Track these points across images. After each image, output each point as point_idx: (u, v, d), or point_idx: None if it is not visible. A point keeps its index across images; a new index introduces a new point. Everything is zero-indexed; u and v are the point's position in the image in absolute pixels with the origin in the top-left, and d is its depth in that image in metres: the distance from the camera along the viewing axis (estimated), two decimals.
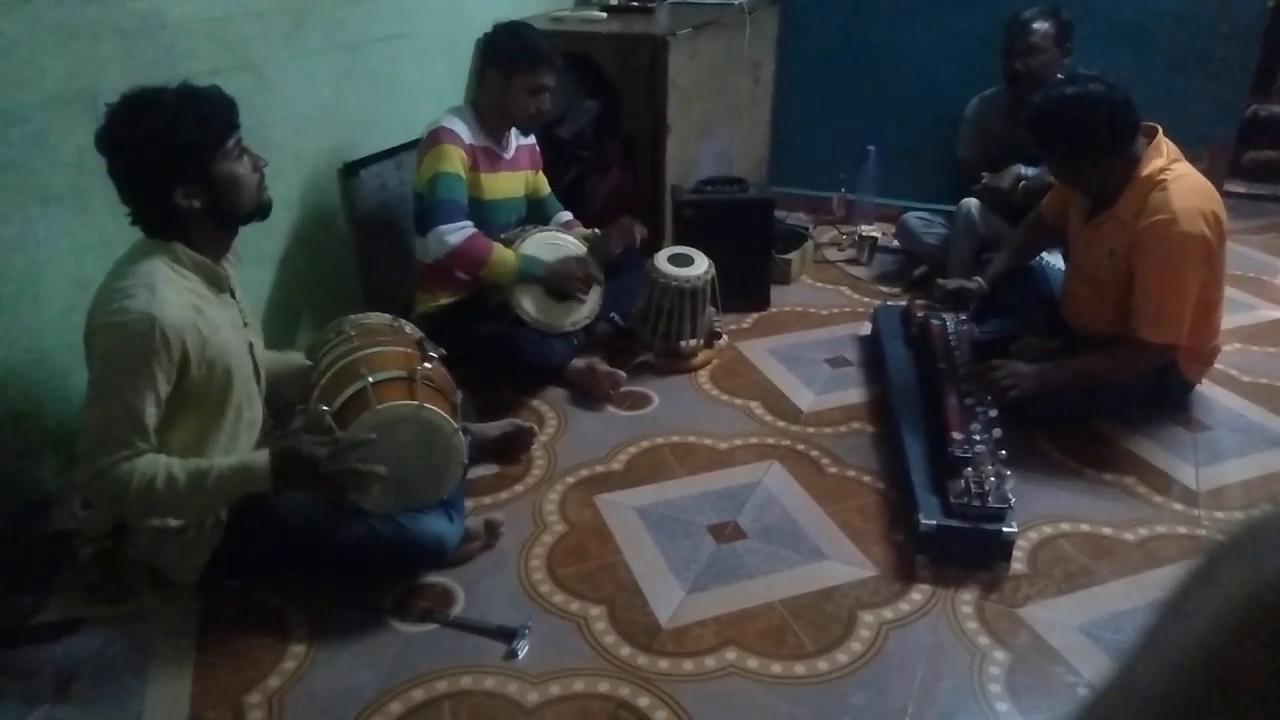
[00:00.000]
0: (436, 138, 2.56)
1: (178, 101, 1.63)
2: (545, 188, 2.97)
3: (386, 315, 2.13)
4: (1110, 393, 2.43)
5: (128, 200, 1.68)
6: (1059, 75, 2.98)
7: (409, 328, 2.09)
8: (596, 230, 2.86)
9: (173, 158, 1.62)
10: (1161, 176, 2.24)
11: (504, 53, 2.59)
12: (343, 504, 1.76)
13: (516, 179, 2.81)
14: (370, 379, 1.78)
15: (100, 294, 1.68)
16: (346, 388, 1.80)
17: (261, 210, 1.79)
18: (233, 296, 1.83)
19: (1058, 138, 2.26)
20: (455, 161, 2.54)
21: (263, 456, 1.68)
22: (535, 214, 2.92)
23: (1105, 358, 2.33)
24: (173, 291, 1.64)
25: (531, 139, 2.87)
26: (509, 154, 2.74)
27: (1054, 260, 2.85)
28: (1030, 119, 2.31)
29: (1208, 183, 2.31)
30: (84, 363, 1.71)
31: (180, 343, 1.63)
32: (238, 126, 1.71)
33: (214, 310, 1.74)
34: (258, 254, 2.37)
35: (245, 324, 1.87)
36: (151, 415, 1.63)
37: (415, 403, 1.78)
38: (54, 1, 1.91)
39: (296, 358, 2.08)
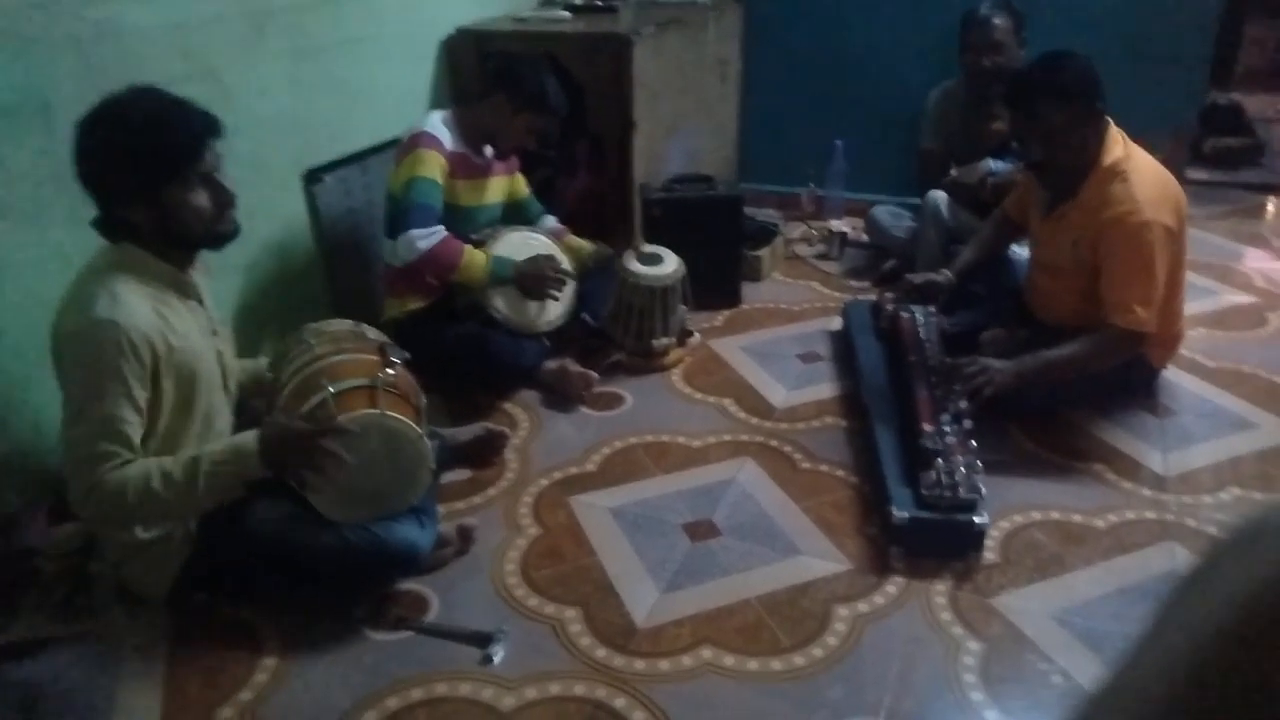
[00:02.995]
0: (416, 141, 2.54)
1: (147, 118, 1.58)
2: (524, 189, 2.95)
3: (348, 321, 2.10)
4: (1078, 381, 2.44)
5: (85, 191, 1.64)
6: (1016, 66, 3.01)
7: (371, 333, 2.07)
8: (601, 245, 2.91)
9: (121, 172, 1.60)
10: (1122, 167, 2.26)
11: (521, 88, 2.57)
12: (308, 487, 1.73)
13: (495, 185, 2.79)
14: (331, 389, 1.76)
15: (63, 304, 1.65)
16: (308, 400, 1.78)
17: (215, 241, 1.74)
18: (200, 304, 1.81)
19: (1060, 81, 2.20)
20: (433, 167, 2.52)
21: (250, 435, 1.67)
22: (515, 216, 2.90)
23: (1078, 347, 2.28)
24: (135, 298, 1.62)
25: None
26: (486, 161, 2.73)
27: (1022, 251, 2.87)
28: (1034, 65, 2.27)
29: (1166, 171, 2.34)
30: (47, 376, 1.69)
31: (148, 347, 1.61)
32: (201, 157, 1.64)
33: (179, 318, 1.71)
34: (221, 261, 2.32)
35: (215, 332, 1.85)
36: (133, 423, 1.60)
37: (378, 411, 1.76)
38: (5, 9, 1.88)
39: (263, 364, 2.05)
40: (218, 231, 1.73)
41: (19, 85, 1.92)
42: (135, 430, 1.61)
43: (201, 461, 1.62)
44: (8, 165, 1.92)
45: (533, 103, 2.57)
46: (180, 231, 1.68)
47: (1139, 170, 2.27)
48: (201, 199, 1.67)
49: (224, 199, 1.70)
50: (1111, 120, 2.31)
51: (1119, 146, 2.29)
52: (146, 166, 1.60)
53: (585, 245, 2.93)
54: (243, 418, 1.99)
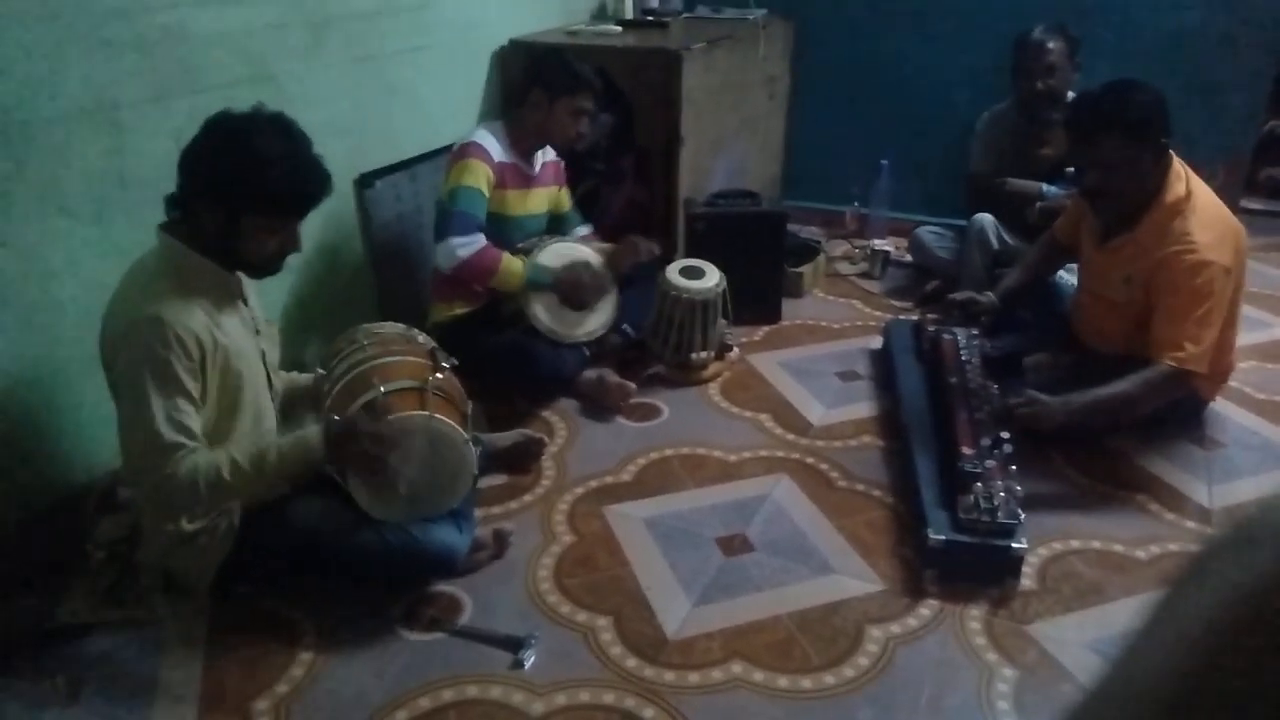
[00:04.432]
0: (465, 152, 2.60)
1: (282, 162, 1.63)
2: (567, 203, 2.98)
3: (400, 325, 2.14)
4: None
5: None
6: (1070, 91, 2.99)
7: (422, 337, 2.10)
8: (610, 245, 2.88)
9: (227, 184, 1.64)
10: (1183, 206, 2.23)
11: (549, 76, 2.62)
12: (351, 484, 1.81)
13: (542, 196, 2.83)
14: (382, 389, 1.80)
15: (112, 302, 1.71)
16: (358, 397, 1.81)
17: (257, 272, 1.80)
18: (245, 304, 1.85)
19: (1127, 115, 2.17)
20: (479, 177, 2.57)
21: (314, 428, 1.75)
22: (556, 228, 2.93)
23: (1127, 387, 2.21)
24: (181, 295, 1.67)
25: (555, 154, 2.89)
26: (536, 171, 2.77)
27: (1068, 276, 2.84)
28: (1103, 93, 2.23)
29: (1226, 210, 2.31)
30: (99, 368, 1.74)
31: (195, 341, 1.65)
32: (304, 215, 1.73)
33: (225, 316, 1.76)
34: None
35: (258, 331, 1.89)
36: (191, 413, 1.66)
37: (426, 413, 1.79)
38: (76, 14, 1.94)
39: (306, 378, 2.09)
40: (266, 267, 1.79)
41: (87, 86, 1.98)
42: (194, 420, 1.67)
43: (269, 454, 1.70)
44: (76, 164, 1.98)
45: (566, 85, 2.62)
46: (234, 250, 1.72)
47: (1200, 209, 2.23)
48: (272, 240, 1.73)
49: (290, 248, 1.77)
50: (1174, 154, 2.28)
51: (1181, 184, 2.26)
52: (252, 196, 1.65)
53: (604, 248, 2.88)
54: (287, 421, 2.03)
